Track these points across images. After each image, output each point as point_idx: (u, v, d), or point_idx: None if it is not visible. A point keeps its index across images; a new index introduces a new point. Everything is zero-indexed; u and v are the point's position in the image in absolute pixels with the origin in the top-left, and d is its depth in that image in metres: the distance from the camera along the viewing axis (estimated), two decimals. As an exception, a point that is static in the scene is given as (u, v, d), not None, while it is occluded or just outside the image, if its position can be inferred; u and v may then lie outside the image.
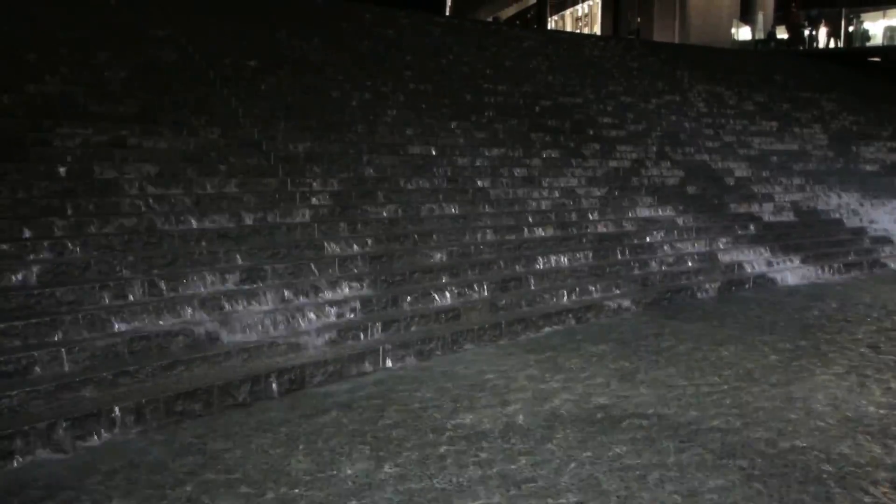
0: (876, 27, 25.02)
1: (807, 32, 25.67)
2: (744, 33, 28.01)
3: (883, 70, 23.29)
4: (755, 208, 11.44)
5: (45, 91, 7.79)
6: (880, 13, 25.28)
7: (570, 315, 7.21)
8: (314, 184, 7.92)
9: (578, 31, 40.16)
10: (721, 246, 9.82)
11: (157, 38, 10.10)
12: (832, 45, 25.20)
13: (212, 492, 3.73)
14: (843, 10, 25.26)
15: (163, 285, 5.70)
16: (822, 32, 25.08)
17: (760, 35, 27.19)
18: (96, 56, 8.90)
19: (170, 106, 8.32)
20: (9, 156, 6.51)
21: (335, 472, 3.95)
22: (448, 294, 6.90)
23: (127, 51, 9.28)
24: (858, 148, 15.85)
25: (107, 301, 5.39)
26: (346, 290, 6.48)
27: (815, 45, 25.20)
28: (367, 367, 5.66)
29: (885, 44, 24.73)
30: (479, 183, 9.28)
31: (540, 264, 8.03)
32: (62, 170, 6.65)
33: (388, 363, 5.79)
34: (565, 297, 7.56)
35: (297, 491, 3.74)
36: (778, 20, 27.12)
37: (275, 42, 11.64)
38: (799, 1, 27.93)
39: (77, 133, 7.18)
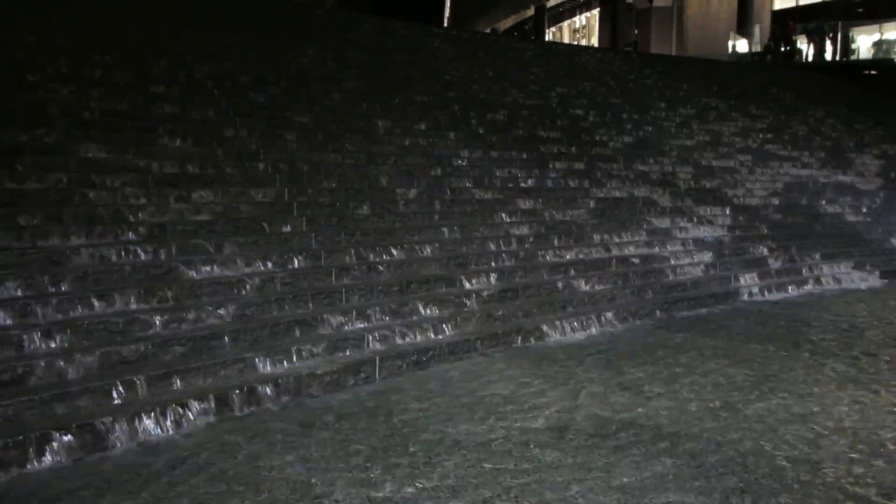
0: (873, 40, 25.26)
1: (804, 45, 25.82)
2: (740, 46, 28.20)
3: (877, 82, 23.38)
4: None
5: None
6: (876, 27, 25.49)
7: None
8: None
9: (576, 42, 40.35)
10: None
11: (158, 49, 10.13)
12: (829, 57, 25.36)
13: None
14: (840, 24, 25.45)
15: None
16: (826, 45, 25.24)
17: (757, 48, 27.37)
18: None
19: (167, 116, 8.31)
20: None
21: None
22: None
23: (129, 62, 9.30)
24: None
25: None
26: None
27: (823, 56, 25.33)
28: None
29: (883, 56, 24.91)
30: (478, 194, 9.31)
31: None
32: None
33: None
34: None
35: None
36: (774, 33, 27.32)
37: (274, 52, 11.65)
38: (796, 14, 28.11)
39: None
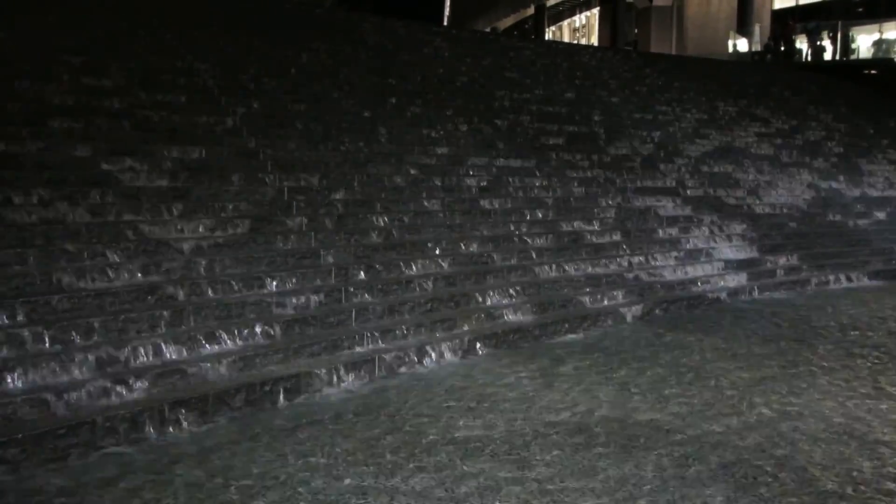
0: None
1: (804, 45, 25.79)
2: (740, 45, 28.16)
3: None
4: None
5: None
6: (876, 26, 25.47)
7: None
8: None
9: (576, 41, 40.32)
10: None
11: (159, 48, 10.13)
12: (829, 57, 25.34)
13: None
14: (840, 23, 25.42)
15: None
16: (826, 44, 25.24)
17: (757, 47, 27.33)
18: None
19: (168, 114, 8.31)
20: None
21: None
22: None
23: (133, 60, 9.30)
24: None
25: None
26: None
27: (822, 56, 25.31)
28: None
29: (883, 56, 24.89)
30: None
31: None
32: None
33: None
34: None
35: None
36: (774, 32, 27.29)
37: (272, 52, 11.64)
38: (796, 14, 28.08)
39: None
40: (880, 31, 25.35)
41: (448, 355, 6.23)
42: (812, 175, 14.08)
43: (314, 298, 6.32)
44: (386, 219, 7.96)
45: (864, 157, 15.96)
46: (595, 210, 9.90)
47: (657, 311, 8.12)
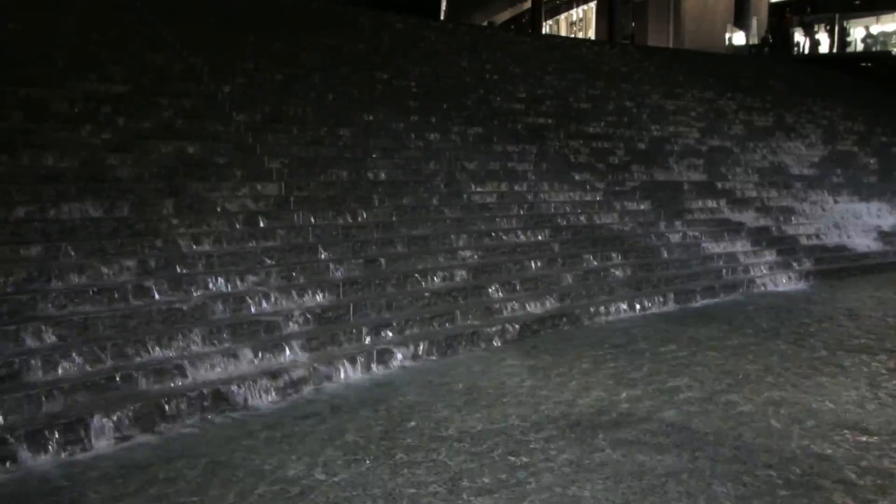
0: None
1: (801, 37, 25.77)
2: (737, 38, 28.11)
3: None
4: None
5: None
6: (873, 19, 25.46)
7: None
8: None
9: (573, 35, 40.21)
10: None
11: (156, 42, 10.11)
12: (826, 50, 25.33)
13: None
14: (837, 16, 25.40)
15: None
16: (823, 37, 25.25)
17: (755, 40, 27.28)
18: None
19: (164, 108, 8.29)
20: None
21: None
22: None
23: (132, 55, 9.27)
24: None
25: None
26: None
27: (818, 49, 25.31)
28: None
29: (880, 49, 24.89)
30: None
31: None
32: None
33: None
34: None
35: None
36: (772, 25, 27.24)
37: (269, 46, 11.60)
38: (793, 6, 28.04)
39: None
40: (877, 23, 25.32)
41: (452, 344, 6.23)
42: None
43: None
44: (383, 214, 7.97)
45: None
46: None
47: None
